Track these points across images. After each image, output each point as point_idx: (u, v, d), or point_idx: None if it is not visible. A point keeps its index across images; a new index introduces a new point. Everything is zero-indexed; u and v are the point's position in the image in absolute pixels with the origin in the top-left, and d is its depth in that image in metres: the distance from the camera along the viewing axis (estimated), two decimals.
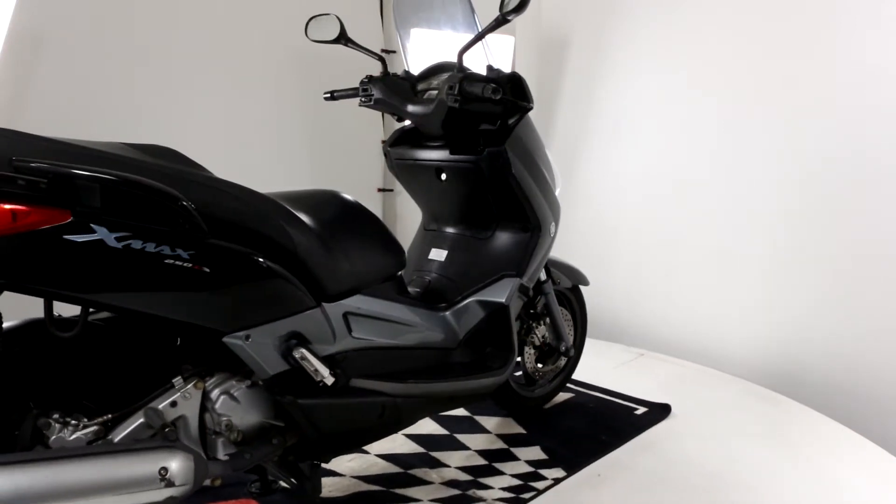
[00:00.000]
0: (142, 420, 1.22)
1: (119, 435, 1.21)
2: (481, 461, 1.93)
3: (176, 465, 1.16)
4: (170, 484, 1.15)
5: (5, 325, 1.13)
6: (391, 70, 1.94)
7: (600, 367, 2.64)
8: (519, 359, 1.95)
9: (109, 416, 1.20)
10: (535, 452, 1.99)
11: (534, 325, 2.10)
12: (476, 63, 1.82)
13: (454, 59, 1.83)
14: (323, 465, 1.57)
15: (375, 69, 1.93)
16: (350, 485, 1.78)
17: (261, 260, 1.27)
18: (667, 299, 3.10)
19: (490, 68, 1.85)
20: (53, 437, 1.15)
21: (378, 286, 1.59)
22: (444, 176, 1.90)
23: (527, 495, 1.76)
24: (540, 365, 2.16)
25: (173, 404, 1.25)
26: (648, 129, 3.16)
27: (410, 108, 1.85)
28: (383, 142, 2.03)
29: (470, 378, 1.73)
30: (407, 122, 2.00)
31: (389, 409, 1.53)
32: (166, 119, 2.83)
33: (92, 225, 1.07)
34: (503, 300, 1.83)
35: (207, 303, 1.22)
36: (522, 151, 1.85)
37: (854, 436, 2.14)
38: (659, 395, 2.39)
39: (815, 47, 2.60)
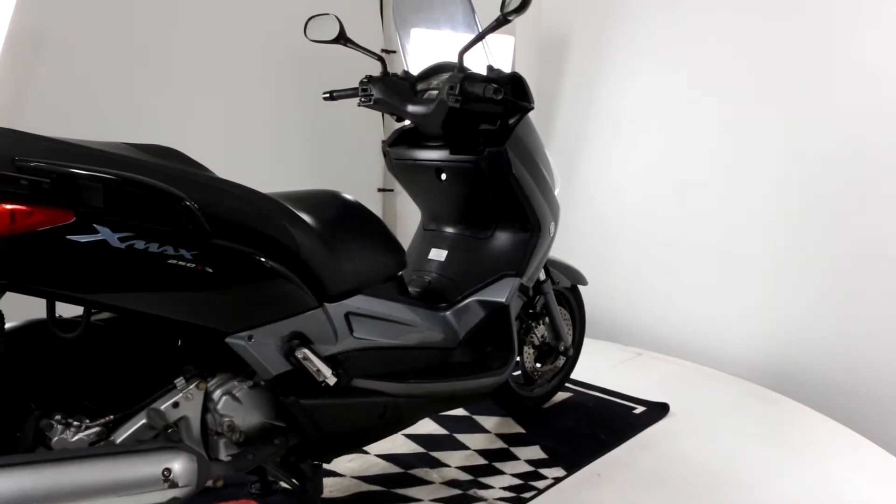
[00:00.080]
0: (144, 421, 1.22)
1: (121, 436, 1.20)
2: (481, 461, 1.94)
3: (179, 465, 1.15)
4: (173, 485, 1.14)
5: (7, 325, 1.13)
6: (391, 70, 1.94)
7: (598, 367, 2.64)
8: (518, 358, 1.96)
9: (111, 417, 1.20)
10: (535, 452, 1.99)
11: (533, 324, 2.11)
12: (476, 63, 1.82)
13: (453, 60, 1.83)
14: (324, 465, 1.57)
15: (375, 69, 1.93)
16: (351, 485, 1.78)
17: (264, 260, 1.27)
18: (667, 299, 3.11)
19: (490, 68, 1.85)
20: (56, 438, 1.15)
21: (379, 286, 1.59)
22: (443, 176, 1.90)
23: (527, 494, 1.76)
24: (539, 364, 2.16)
25: (175, 405, 1.25)
26: (648, 129, 3.16)
27: (410, 108, 1.85)
28: (383, 142, 2.03)
29: (470, 378, 1.73)
30: (406, 123, 2.00)
31: (391, 409, 1.53)
32: (166, 119, 2.83)
33: (95, 225, 1.06)
34: (503, 300, 1.84)
35: (210, 303, 1.21)
36: (523, 151, 1.85)
37: (854, 436, 2.14)
38: (657, 394, 2.40)
39: (815, 47, 2.60)
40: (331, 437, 1.43)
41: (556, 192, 2.02)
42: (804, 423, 2.25)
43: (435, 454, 1.96)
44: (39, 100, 2.52)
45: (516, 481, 1.83)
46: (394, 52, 3.23)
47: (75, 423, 1.17)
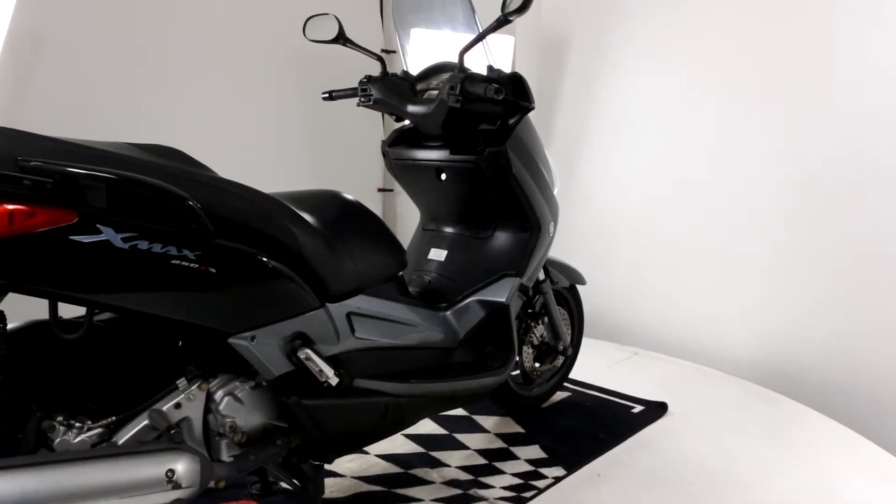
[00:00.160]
0: (146, 422, 1.21)
1: (123, 437, 1.20)
2: (481, 460, 1.94)
3: (182, 466, 1.15)
4: (177, 486, 1.14)
5: (8, 326, 1.12)
6: (390, 70, 1.94)
7: (595, 366, 2.64)
8: (517, 358, 1.96)
9: (113, 418, 1.19)
10: (535, 451, 1.99)
11: (532, 324, 2.11)
12: (476, 63, 1.83)
13: (453, 60, 1.83)
14: (325, 465, 1.57)
15: (375, 69, 1.93)
16: (351, 485, 1.78)
17: (267, 260, 1.27)
18: (667, 299, 3.11)
19: (491, 68, 1.86)
20: (58, 439, 1.14)
21: (380, 286, 1.59)
22: (443, 176, 1.90)
23: (528, 494, 1.76)
24: (537, 364, 2.17)
25: (177, 406, 1.24)
26: (648, 129, 3.16)
27: (410, 108, 1.85)
28: (383, 142, 2.03)
29: (471, 378, 1.73)
30: (405, 123, 2.00)
31: (392, 409, 1.53)
32: (166, 119, 2.83)
33: (98, 226, 1.06)
34: (503, 300, 1.84)
35: (213, 303, 1.21)
36: (523, 151, 1.85)
37: (853, 435, 2.14)
38: (655, 393, 2.40)
39: (815, 47, 2.60)
40: (332, 438, 1.43)
41: (555, 192, 2.02)
42: (803, 422, 2.25)
43: (435, 454, 1.96)
44: (39, 100, 2.52)
45: (517, 481, 1.83)
46: (394, 52, 3.23)
47: (77, 424, 1.16)
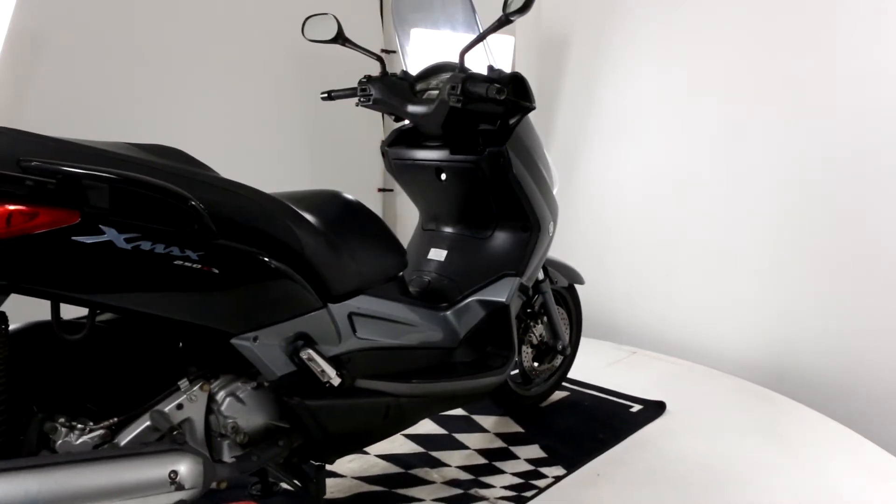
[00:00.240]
0: (148, 423, 1.21)
1: (125, 438, 1.20)
2: (481, 460, 1.94)
3: (185, 468, 1.15)
4: (180, 487, 1.14)
5: (9, 327, 1.12)
6: (390, 70, 1.94)
7: (593, 366, 2.64)
8: (517, 358, 1.96)
9: (115, 419, 1.19)
10: (535, 451, 2.00)
11: (531, 324, 2.11)
12: (476, 63, 1.83)
13: (453, 60, 1.83)
14: (326, 466, 1.57)
15: (375, 69, 1.93)
16: (352, 486, 1.78)
17: (269, 261, 1.27)
18: (666, 299, 3.11)
19: (491, 68, 1.86)
20: (60, 441, 1.14)
21: (381, 286, 1.59)
22: (443, 176, 1.90)
23: (529, 493, 1.76)
24: (536, 364, 2.17)
25: (179, 407, 1.24)
26: (648, 129, 3.16)
27: (410, 108, 1.85)
28: (382, 142, 2.03)
29: (471, 377, 1.73)
30: (405, 123, 2.00)
31: (393, 409, 1.53)
32: (166, 119, 2.83)
33: (101, 226, 1.06)
34: (504, 299, 1.84)
35: (216, 304, 1.21)
36: (523, 151, 1.86)
37: (852, 435, 2.14)
38: (653, 392, 2.40)
39: (815, 47, 2.60)
40: (334, 438, 1.43)
41: (554, 192, 2.02)
42: (802, 422, 2.25)
43: (435, 454, 1.96)
44: (39, 100, 2.52)
45: (517, 480, 1.83)
46: (394, 52, 3.23)
47: (79, 425, 1.16)
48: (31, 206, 1.00)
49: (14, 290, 1.05)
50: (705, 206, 2.96)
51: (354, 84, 1.88)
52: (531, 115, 1.90)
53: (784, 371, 2.70)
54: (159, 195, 1.11)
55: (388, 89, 1.86)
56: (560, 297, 2.27)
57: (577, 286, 2.33)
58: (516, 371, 2.17)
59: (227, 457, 1.31)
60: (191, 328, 1.21)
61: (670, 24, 3.06)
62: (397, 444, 1.98)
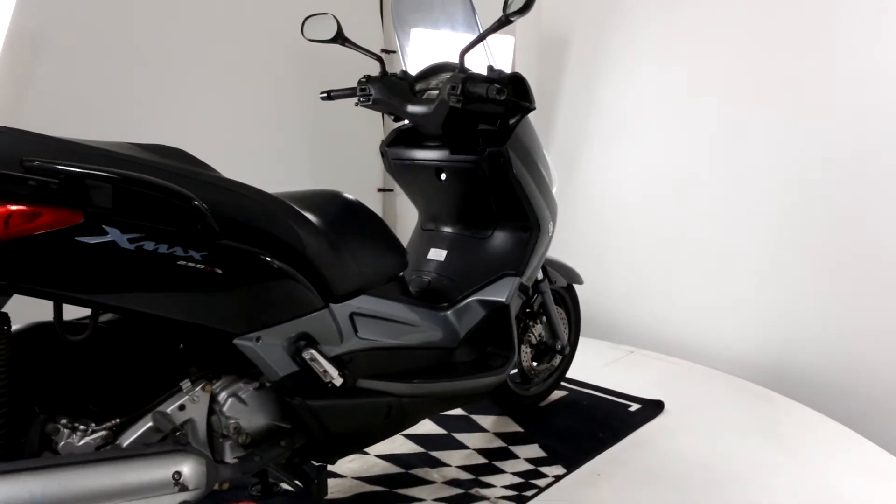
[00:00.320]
0: (150, 424, 1.20)
1: (127, 440, 1.19)
2: (481, 460, 1.94)
3: (189, 468, 1.14)
4: (183, 488, 1.13)
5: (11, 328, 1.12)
6: (389, 70, 1.94)
7: (591, 365, 2.64)
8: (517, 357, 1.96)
9: (117, 420, 1.19)
10: (534, 450, 2.00)
11: (530, 323, 2.11)
12: (476, 63, 1.83)
13: (452, 60, 1.83)
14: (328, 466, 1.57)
15: (375, 69, 1.93)
16: (352, 486, 1.78)
17: (272, 261, 1.27)
18: (666, 299, 3.11)
19: (491, 69, 1.86)
20: (62, 442, 1.13)
21: (383, 286, 1.59)
22: (443, 176, 1.90)
23: (529, 493, 1.76)
24: (535, 364, 2.17)
25: (181, 408, 1.23)
26: (648, 129, 3.16)
27: (410, 108, 1.85)
28: (382, 142, 2.04)
29: (472, 377, 1.73)
30: (403, 123, 2.00)
31: (395, 409, 1.53)
32: (166, 119, 2.83)
33: (104, 226, 1.05)
34: (504, 299, 1.84)
35: (219, 304, 1.21)
36: (522, 151, 1.86)
37: (852, 435, 2.14)
38: (651, 391, 2.40)
39: (816, 47, 2.60)
40: (336, 438, 1.43)
41: (553, 192, 2.03)
42: (802, 421, 2.25)
43: (435, 454, 1.96)
44: (39, 100, 2.52)
45: (517, 480, 1.83)
46: (394, 52, 3.23)
47: (81, 426, 1.15)
48: (34, 206, 0.99)
49: (17, 291, 1.04)
50: (705, 206, 2.96)
51: (354, 84, 1.88)
52: (531, 115, 1.90)
53: (784, 371, 2.70)
54: (163, 195, 1.10)
55: (387, 89, 1.86)
56: (559, 296, 2.27)
57: (576, 286, 2.33)
58: (515, 371, 2.17)
59: (229, 457, 1.30)
60: (193, 328, 1.21)
61: (670, 24, 3.06)
62: (397, 444, 1.98)
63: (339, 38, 1.89)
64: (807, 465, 1.94)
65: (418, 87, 1.92)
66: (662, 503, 1.75)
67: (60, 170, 1.01)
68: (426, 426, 2.09)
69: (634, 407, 2.31)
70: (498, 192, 1.86)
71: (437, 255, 1.97)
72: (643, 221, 3.18)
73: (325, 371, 1.34)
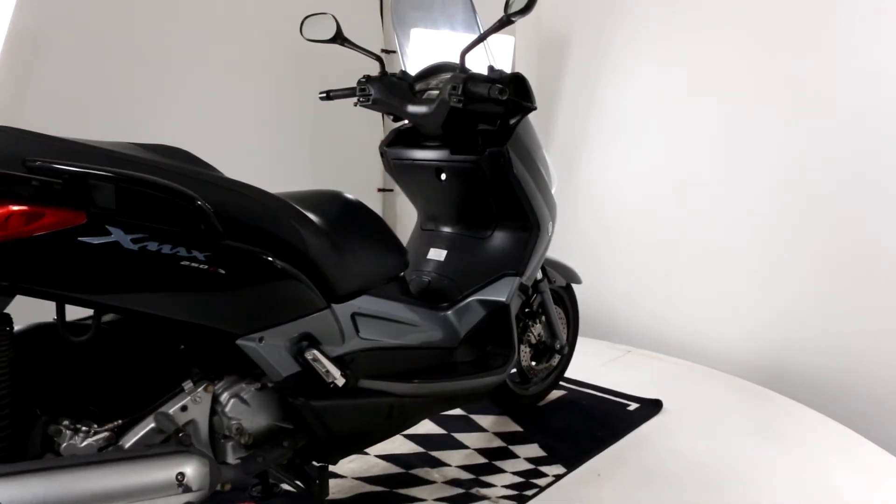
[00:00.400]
0: (152, 425, 1.20)
1: (130, 441, 1.19)
2: (481, 459, 1.94)
3: (192, 469, 1.13)
4: (187, 489, 1.12)
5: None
6: (389, 70, 1.94)
7: (589, 365, 2.64)
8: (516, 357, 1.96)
9: (119, 421, 1.18)
10: (534, 450, 2.00)
11: (529, 323, 2.11)
12: (476, 63, 1.83)
13: (452, 60, 1.83)
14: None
15: (376, 69, 1.93)
16: (353, 486, 1.78)
17: (275, 261, 1.27)
18: (666, 299, 3.11)
19: (491, 69, 1.86)
20: (64, 444, 1.13)
21: (384, 286, 1.59)
22: (443, 176, 1.90)
23: (530, 492, 1.76)
24: (534, 363, 2.17)
25: (184, 408, 1.23)
26: (648, 129, 3.16)
27: (410, 108, 1.85)
28: (381, 142, 2.03)
29: (472, 377, 1.73)
30: (403, 123, 2.00)
31: (396, 409, 1.53)
32: (166, 119, 2.83)
33: (107, 227, 1.05)
34: (504, 299, 1.84)
35: (222, 305, 1.20)
36: (523, 151, 1.86)
37: (853, 435, 2.14)
38: (649, 391, 2.41)
39: (816, 47, 2.60)
40: (339, 438, 1.43)
41: (552, 191, 2.03)
42: (802, 421, 2.25)
43: (435, 454, 1.96)
44: (39, 100, 2.52)
45: (517, 479, 1.83)
46: (394, 52, 3.23)
47: (83, 428, 1.15)
48: (37, 206, 0.99)
49: (19, 292, 1.04)
50: (705, 206, 2.96)
51: (354, 84, 1.88)
52: (530, 115, 1.90)
53: (784, 371, 2.70)
54: (166, 195, 1.10)
55: (387, 89, 1.86)
56: (557, 296, 2.27)
57: (575, 286, 2.33)
58: (514, 370, 2.17)
59: (231, 458, 1.30)
60: (195, 329, 1.21)
61: (670, 24, 3.06)
62: (397, 444, 1.98)
63: (339, 37, 1.89)
64: (807, 465, 1.94)
65: (418, 87, 1.92)
66: (664, 502, 1.75)
67: (63, 170, 1.01)
68: (426, 426, 2.09)
69: (633, 406, 2.32)
70: (498, 191, 1.86)
71: (437, 254, 1.97)
72: (643, 221, 3.18)
73: (328, 371, 1.34)
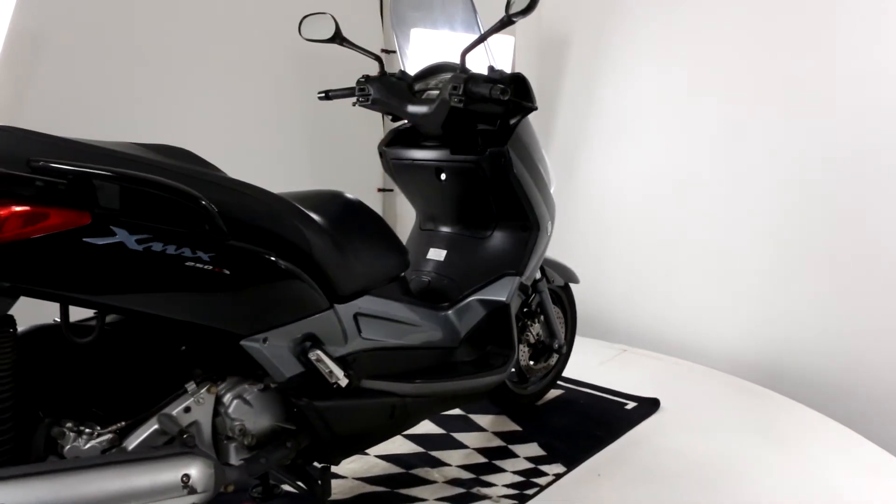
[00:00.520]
0: (156, 426, 1.19)
1: (133, 442, 1.18)
2: (481, 459, 1.94)
3: (197, 471, 1.13)
4: (192, 491, 1.12)
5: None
6: (388, 70, 1.94)
7: (585, 364, 2.64)
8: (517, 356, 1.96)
9: (122, 423, 1.17)
10: (534, 449, 2.00)
11: (528, 322, 2.11)
12: (476, 63, 1.83)
13: (451, 60, 1.83)
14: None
15: (376, 69, 1.93)
16: (354, 486, 1.78)
17: (280, 261, 1.26)
18: (666, 299, 3.11)
19: (492, 69, 1.86)
20: (68, 446, 1.12)
21: (385, 286, 1.59)
22: (443, 176, 1.90)
23: (531, 491, 1.76)
24: (532, 362, 2.17)
25: (187, 410, 1.23)
26: (648, 129, 3.16)
27: (410, 108, 1.85)
28: (380, 142, 2.03)
29: (473, 377, 1.74)
30: (402, 123, 1.99)
31: (399, 409, 1.54)
32: (166, 119, 2.83)
33: (112, 227, 1.04)
34: (504, 299, 1.84)
35: (227, 306, 1.20)
36: (523, 151, 1.86)
37: (853, 435, 2.14)
38: (646, 389, 2.41)
39: (816, 47, 2.60)
40: (341, 439, 1.42)
41: (551, 191, 2.03)
42: (801, 421, 2.25)
43: (434, 453, 1.96)
44: (39, 100, 2.51)
45: (518, 478, 1.83)
46: (394, 52, 3.23)
47: (87, 430, 1.14)
48: (42, 207, 0.98)
49: (23, 293, 1.03)
50: (705, 206, 2.96)
51: (354, 84, 1.88)
52: (530, 115, 1.90)
53: (784, 371, 2.70)
54: (171, 196, 1.09)
55: (386, 89, 1.86)
56: (555, 295, 2.28)
57: (575, 286, 2.33)
58: (513, 370, 2.17)
59: (234, 459, 1.29)
60: (199, 330, 1.20)
61: (670, 24, 3.06)
62: (397, 444, 1.98)
63: (337, 37, 1.88)
64: (806, 465, 1.94)
65: (417, 87, 1.92)
66: (663, 502, 1.75)
67: (68, 170, 1.00)
68: (425, 426, 2.09)
69: (630, 405, 2.32)
70: (498, 191, 1.86)
71: (437, 254, 1.97)
72: (643, 221, 3.18)
73: (331, 372, 1.34)
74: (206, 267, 1.14)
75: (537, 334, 2.13)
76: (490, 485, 1.80)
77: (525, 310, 2.10)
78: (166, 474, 1.10)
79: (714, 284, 2.95)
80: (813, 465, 1.94)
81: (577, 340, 2.41)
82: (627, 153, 3.24)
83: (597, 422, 2.18)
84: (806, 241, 2.66)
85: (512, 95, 1.76)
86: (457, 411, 2.20)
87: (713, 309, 2.95)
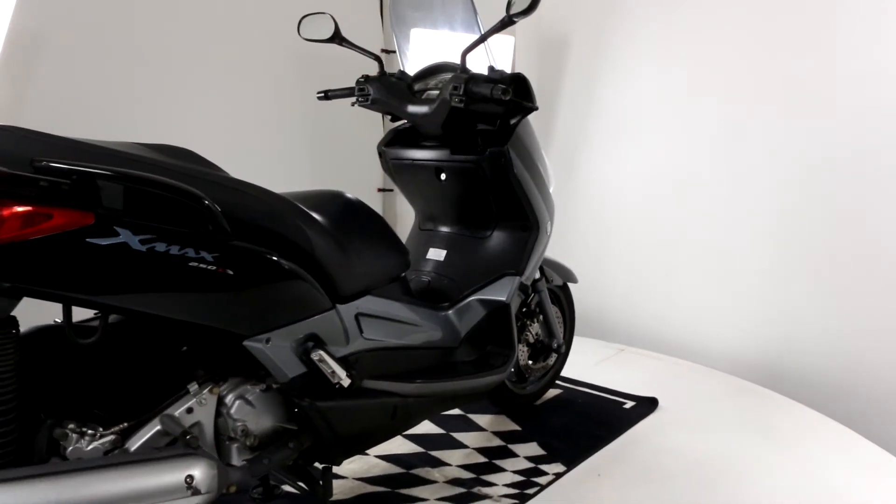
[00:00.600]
0: (158, 427, 1.19)
1: (136, 444, 1.17)
2: (481, 458, 1.94)
3: (201, 472, 1.12)
4: (196, 492, 1.11)
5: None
6: (388, 70, 1.94)
7: (583, 363, 2.64)
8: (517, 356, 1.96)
9: (125, 424, 1.17)
10: (533, 448, 2.00)
11: (527, 322, 2.11)
12: (476, 63, 1.83)
13: (451, 60, 1.83)
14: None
15: (376, 69, 1.93)
16: (354, 487, 1.78)
17: (283, 262, 1.26)
18: (666, 299, 3.11)
19: (492, 69, 1.86)
20: (70, 448, 1.12)
21: (386, 286, 1.59)
22: (443, 176, 1.90)
23: (531, 490, 1.77)
24: (531, 362, 2.17)
25: (189, 410, 1.22)
26: (648, 129, 3.16)
27: (410, 108, 1.85)
28: (379, 142, 2.03)
29: (473, 376, 1.74)
30: (401, 123, 1.99)
31: (400, 409, 1.54)
32: (166, 119, 2.83)
33: (115, 227, 1.04)
34: (504, 298, 1.85)
35: (231, 306, 1.20)
36: (523, 151, 1.86)
37: (852, 435, 2.15)
38: (644, 389, 2.41)
39: (816, 47, 2.61)
40: (343, 439, 1.42)
41: (550, 191, 2.03)
42: (801, 421, 2.25)
43: (434, 453, 1.96)
44: (39, 100, 2.51)
45: (518, 478, 1.83)
46: (393, 52, 3.23)
47: (89, 431, 1.14)
48: (45, 207, 0.97)
49: (26, 294, 1.03)
50: (705, 206, 2.96)
51: (353, 84, 1.88)
52: (529, 115, 1.90)
53: (784, 371, 2.70)
54: (174, 196, 1.09)
55: (386, 89, 1.86)
56: (554, 295, 2.28)
57: (574, 286, 2.34)
58: (513, 369, 2.17)
59: (236, 460, 1.29)
60: (202, 330, 1.20)
61: (670, 24, 3.06)
62: (397, 444, 1.98)
63: (337, 37, 1.88)
64: (806, 465, 1.94)
65: (417, 87, 1.92)
66: (663, 501, 1.75)
67: (71, 170, 1.00)
68: (425, 426, 2.09)
69: (629, 404, 2.32)
70: (498, 191, 1.86)
71: (436, 254, 1.97)
72: (643, 221, 3.18)
73: (333, 372, 1.34)
74: (209, 267, 1.14)
75: (536, 334, 2.14)
76: (491, 484, 1.80)
77: (524, 309, 2.10)
78: (170, 475, 1.10)
79: (714, 284, 2.95)
80: (813, 465, 1.94)
81: (576, 340, 2.42)
82: (627, 153, 3.24)
83: (596, 421, 2.18)
84: (806, 241, 2.66)
85: (513, 96, 1.76)
86: (456, 411, 2.21)
87: (713, 309, 2.95)
